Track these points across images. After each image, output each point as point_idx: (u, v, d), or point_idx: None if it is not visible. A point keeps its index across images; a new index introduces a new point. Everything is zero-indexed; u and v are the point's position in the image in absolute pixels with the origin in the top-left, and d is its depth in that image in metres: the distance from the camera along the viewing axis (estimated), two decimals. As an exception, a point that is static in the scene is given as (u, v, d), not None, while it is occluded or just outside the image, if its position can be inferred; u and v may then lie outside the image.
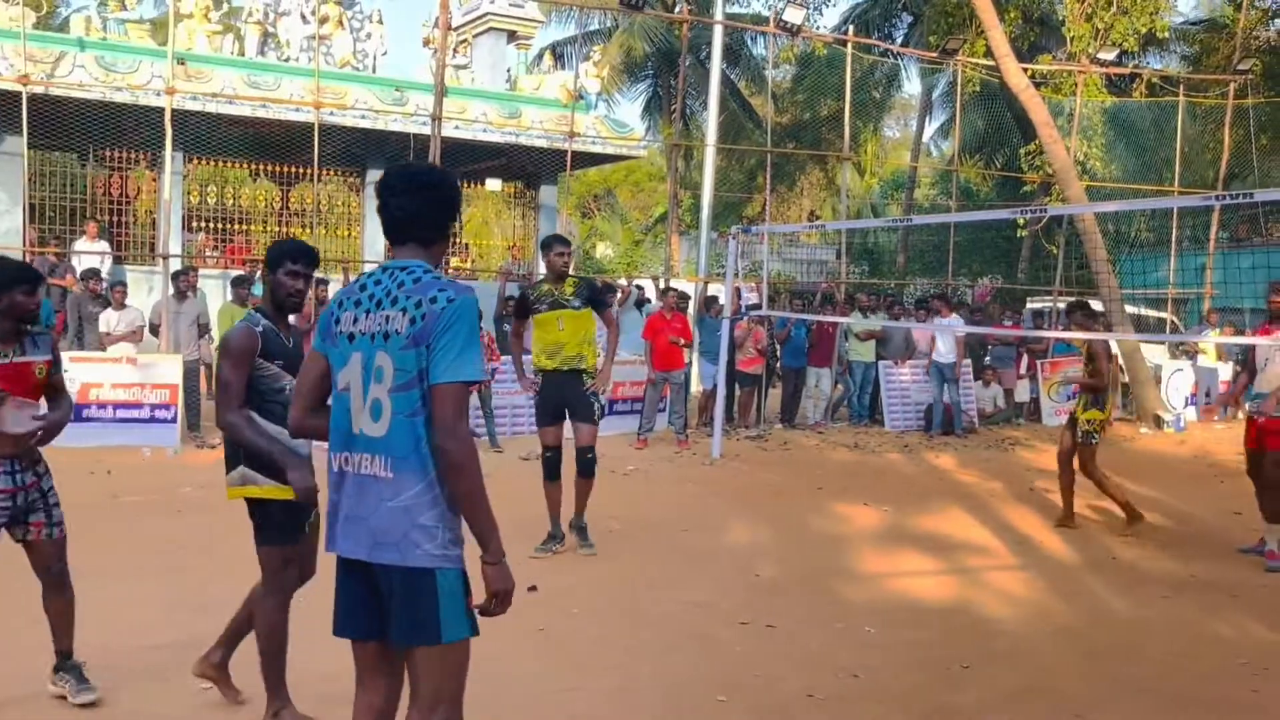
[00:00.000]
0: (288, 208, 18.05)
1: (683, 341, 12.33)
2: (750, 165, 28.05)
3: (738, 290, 12.92)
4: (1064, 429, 8.67)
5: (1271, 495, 7.29)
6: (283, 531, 3.98)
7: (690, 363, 13.16)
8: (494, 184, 18.41)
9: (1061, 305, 19.13)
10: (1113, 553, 7.65)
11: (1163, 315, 18.72)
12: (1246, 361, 8.38)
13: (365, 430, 2.73)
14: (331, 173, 16.76)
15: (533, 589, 5.94)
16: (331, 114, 14.46)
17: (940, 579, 6.88)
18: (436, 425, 2.65)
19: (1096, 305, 16.67)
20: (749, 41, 27.51)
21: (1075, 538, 8.14)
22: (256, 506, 4.00)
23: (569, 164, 15.69)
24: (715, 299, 13.68)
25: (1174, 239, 18.50)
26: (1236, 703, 4.79)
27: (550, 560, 6.90)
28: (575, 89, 16.98)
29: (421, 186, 2.82)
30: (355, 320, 2.79)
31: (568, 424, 7.16)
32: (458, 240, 18.40)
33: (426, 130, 13.90)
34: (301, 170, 15.83)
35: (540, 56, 22.50)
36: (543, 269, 7.52)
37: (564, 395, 7.04)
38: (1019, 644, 5.56)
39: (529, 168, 18.23)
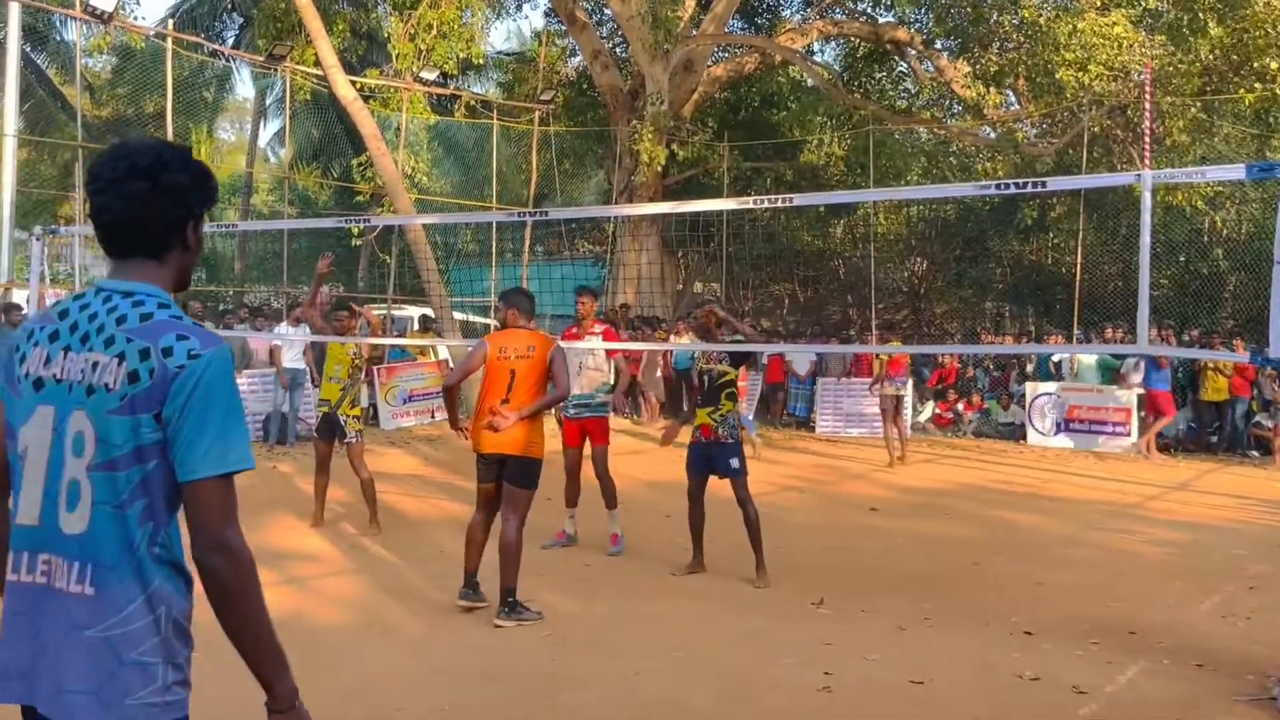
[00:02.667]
0: None
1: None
2: (65, 160, 25.33)
3: (43, 296, 11.57)
4: (317, 440, 8.88)
5: (608, 484, 8.15)
6: None
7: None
8: None
9: (398, 312, 19.91)
10: (441, 548, 8.08)
11: (489, 321, 20.23)
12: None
13: (59, 523, 1.93)
14: None
15: None
16: None
17: (271, 592, 6.73)
18: (196, 538, 1.92)
19: (429, 312, 17.57)
20: (58, 25, 24.86)
21: (405, 537, 8.49)
22: None
23: None
24: (17, 306, 12.17)
25: (494, 251, 20.10)
26: (541, 673, 5.30)
27: None
28: None
29: (133, 174, 1.99)
30: (48, 360, 1.98)
31: None
32: None
33: None
34: None
35: None
36: None
37: None
38: (347, 649, 5.64)
39: None
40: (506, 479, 6.25)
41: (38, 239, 11.04)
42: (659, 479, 10.54)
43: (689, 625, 6.24)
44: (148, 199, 2.02)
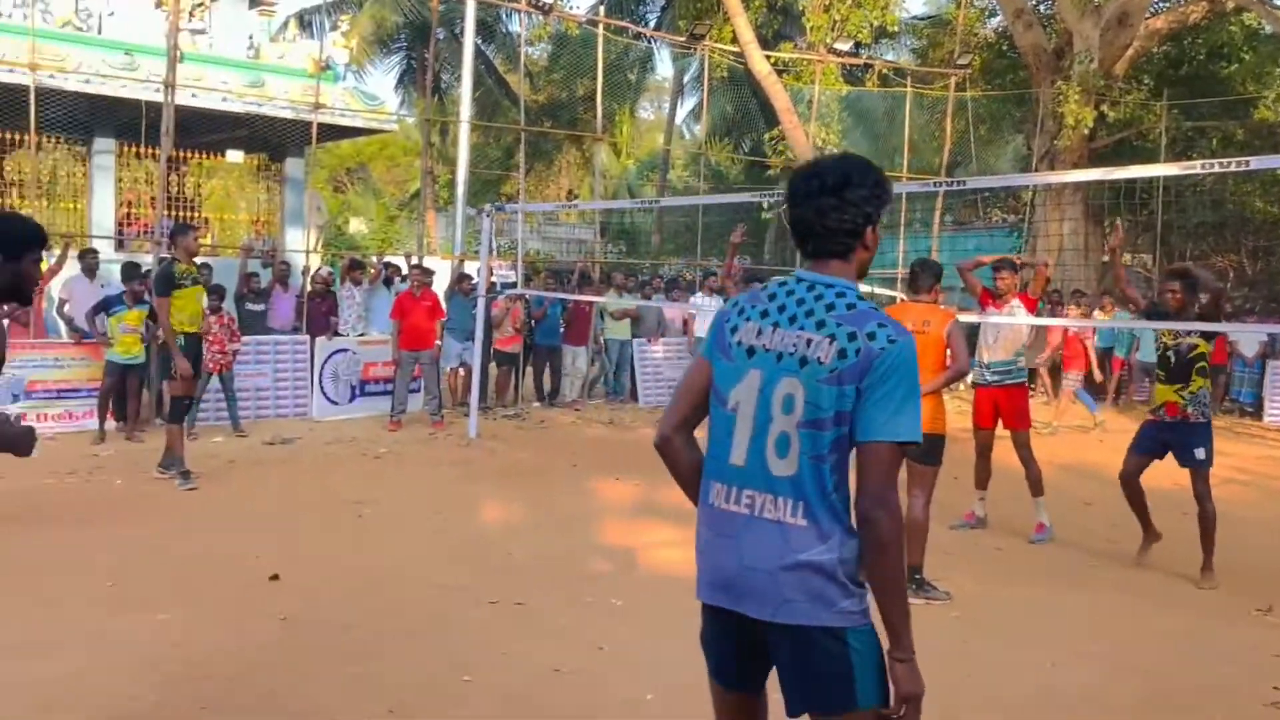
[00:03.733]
0: (2, 177, 16.60)
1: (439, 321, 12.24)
2: (507, 142, 27.96)
3: (490, 268, 12.85)
4: None
5: (1033, 470, 7.80)
6: None
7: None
8: (235, 155, 17.53)
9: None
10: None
11: (894, 294, 19.94)
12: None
13: (769, 466, 2.36)
14: (54, 141, 15.50)
15: (275, 578, 5.79)
16: (51, 77, 13.34)
17: (687, 549, 7.09)
18: (864, 491, 2.29)
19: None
20: (504, 18, 27.35)
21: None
22: None
23: (315, 136, 15.13)
24: (467, 276, 13.57)
25: (903, 222, 19.73)
26: (952, 654, 5.19)
27: (274, 549, 6.64)
28: (322, 59, 16.38)
29: (822, 191, 2.41)
30: (759, 333, 2.41)
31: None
32: (197, 214, 17.44)
33: (160, 98, 13.06)
34: (18, 137, 14.55)
35: (285, 24, 21.59)
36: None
37: (198, 354, 8.97)
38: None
39: (273, 139, 17.45)
40: (910, 455, 6.11)
41: (487, 215, 12.27)
42: (1071, 462, 9.97)
43: (1108, 619, 5.86)
44: (833, 211, 2.40)
